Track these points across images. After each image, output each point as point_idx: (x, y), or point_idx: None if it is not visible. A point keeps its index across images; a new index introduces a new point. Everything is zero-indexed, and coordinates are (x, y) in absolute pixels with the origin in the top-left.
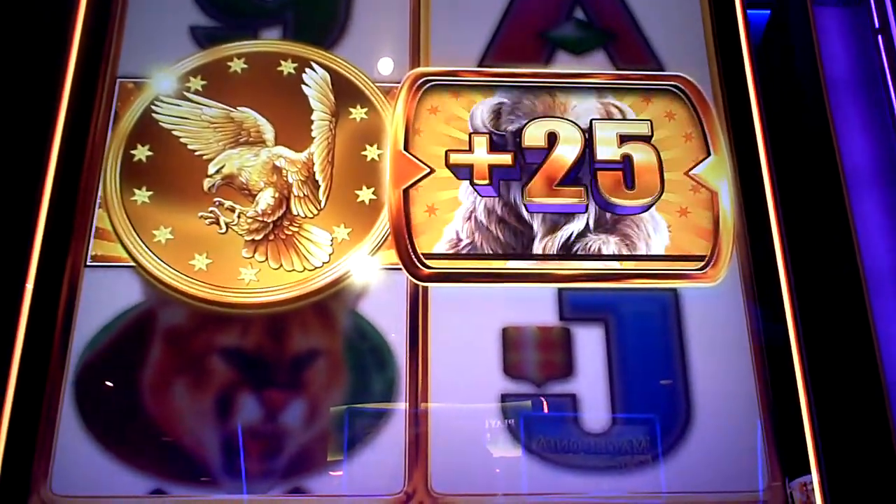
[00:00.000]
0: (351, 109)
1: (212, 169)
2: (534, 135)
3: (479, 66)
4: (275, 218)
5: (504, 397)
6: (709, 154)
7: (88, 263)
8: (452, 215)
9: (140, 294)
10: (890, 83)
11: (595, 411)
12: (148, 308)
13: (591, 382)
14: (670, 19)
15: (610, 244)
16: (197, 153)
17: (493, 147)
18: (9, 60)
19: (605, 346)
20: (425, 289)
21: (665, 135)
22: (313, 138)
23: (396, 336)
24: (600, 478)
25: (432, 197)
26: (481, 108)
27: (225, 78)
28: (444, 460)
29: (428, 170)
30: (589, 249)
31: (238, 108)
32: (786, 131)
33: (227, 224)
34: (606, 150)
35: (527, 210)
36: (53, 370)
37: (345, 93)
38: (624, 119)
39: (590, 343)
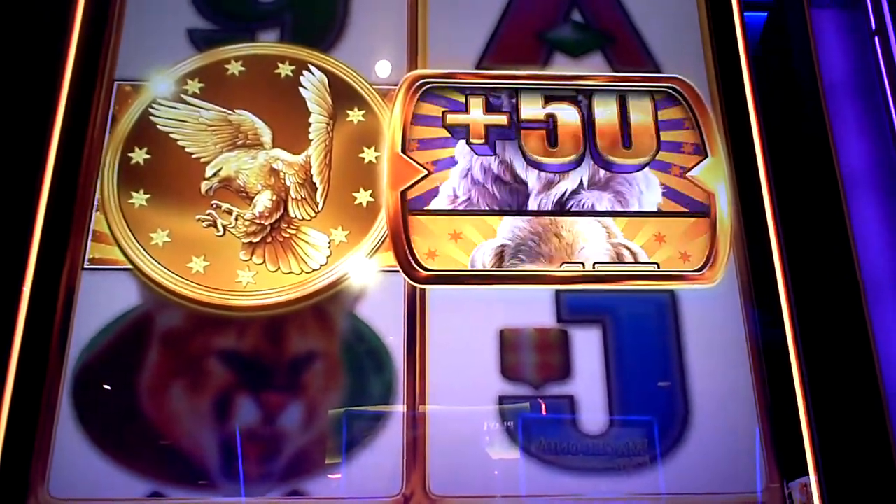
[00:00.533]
0: (348, 112)
1: (209, 172)
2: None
3: (477, 68)
4: (272, 220)
5: (502, 399)
6: (706, 156)
7: (86, 266)
8: (448, 173)
9: (137, 297)
10: (887, 85)
11: (593, 413)
12: (145, 311)
13: (588, 384)
14: (668, 22)
15: (603, 201)
16: (194, 156)
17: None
18: (6, 63)
19: (603, 348)
20: (423, 291)
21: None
22: (311, 141)
23: (394, 338)
24: (598, 479)
25: (428, 156)
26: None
27: (222, 81)
28: (443, 462)
29: (425, 172)
30: (583, 206)
31: (235, 110)
32: (783, 133)
33: (224, 227)
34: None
35: (522, 167)
36: (51, 373)
37: (342, 95)
38: (634, 262)
39: (587, 345)
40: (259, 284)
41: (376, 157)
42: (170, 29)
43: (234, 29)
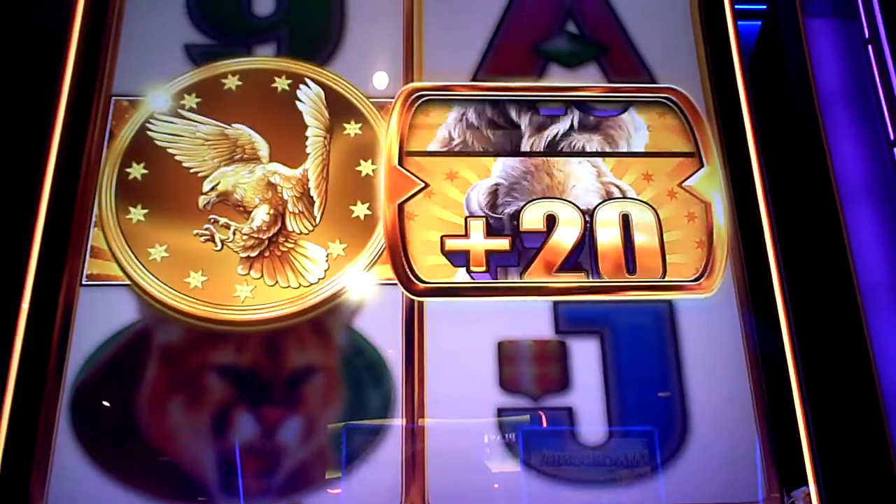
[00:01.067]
0: (345, 125)
1: (207, 186)
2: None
3: (473, 80)
4: (270, 234)
5: (500, 411)
6: (702, 165)
7: (84, 282)
8: (445, 117)
9: (136, 312)
10: (881, 93)
11: (592, 424)
12: (143, 326)
13: (587, 395)
14: (662, 32)
15: (593, 142)
16: (192, 170)
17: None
18: (4, 79)
19: (601, 359)
20: (421, 304)
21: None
22: (308, 154)
23: (393, 351)
24: (599, 491)
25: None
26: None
27: (219, 95)
28: (442, 475)
29: (422, 184)
30: (573, 147)
31: (233, 125)
32: (778, 142)
33: (222, 241)
34: None
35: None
36: (50, 389)
37: (339, 108)
38: (623, 197)
39: (586, 356)
40: (257, 299)
41: (373, 170)
42: (167, 44)
43: (231, 44)
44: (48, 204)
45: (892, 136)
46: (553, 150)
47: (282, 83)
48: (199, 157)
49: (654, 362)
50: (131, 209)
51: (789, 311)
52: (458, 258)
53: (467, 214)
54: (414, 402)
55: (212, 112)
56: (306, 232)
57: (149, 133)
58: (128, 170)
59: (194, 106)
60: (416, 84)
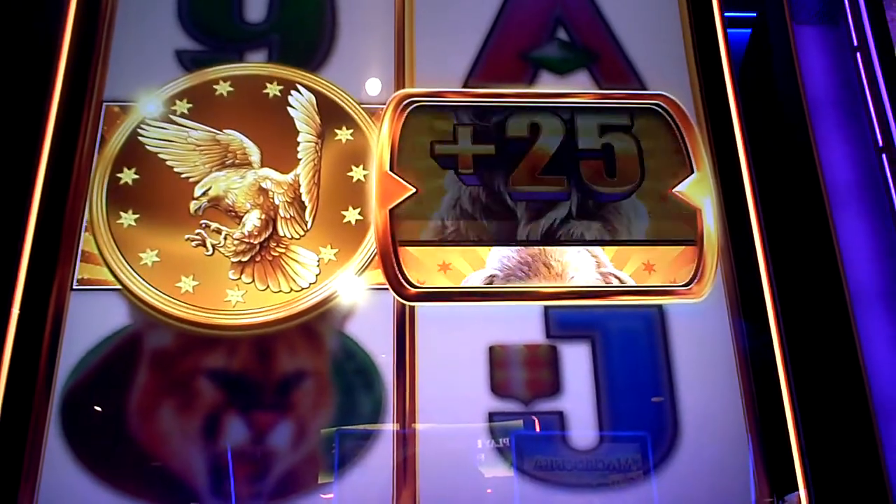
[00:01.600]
0: (336, 131)
1: (198, 191)
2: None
3: (464, 86)
4: (261, 239)
5: (492, 416)
6: (692, 171)
7: (75, 287)
8: (439, 202)
9: (126, 317)
10: (869, 100)
11: (583, 429)
12: (134, 331)
13: (578, 400)
14: (652, 39)
15: (592, 230)
16: (183, 176)
17: (477, 139)
18: None
19: (592, 364)
20: (412, 308)
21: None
22: (299, 160)
23: (385, 356)
24: (590, 495)
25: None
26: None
27: (211, 101)
28: (433, 480)
29: (414, 190)
30: (572, 235)
31: (224, 130)
32: (768, 148)
33: (213, 246)
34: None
35: (510, 198)
36: (39, 394)
37: (330, 114)
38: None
39: (576, 360)
40: (248, 303)
41: (365, 176)
42: (158, 50)
43: (222, 49)
44: (39, 208)
45: (880, 142)
46: (550, 238)
47: (273, 89)
48: (191, 162)
49: (644, 367)
50: (122, 214)
51: (779, 315)
52: None
53: None
54: (405, 406)
55: (203, 118)
56: (298, 237)
57: (140, 138)
58: (119, 175)
59: (186, 112)
60: (407, 90)
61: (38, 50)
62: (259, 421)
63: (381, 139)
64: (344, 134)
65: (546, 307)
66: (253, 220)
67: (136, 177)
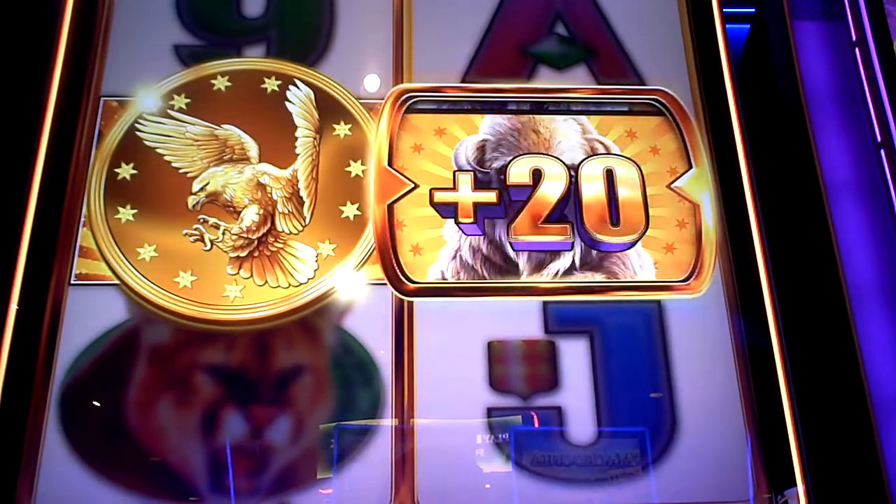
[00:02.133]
0: (335, 126)
1: (196, 186)
2: (519, 171)
3: (463, 81)
4: (259, 234)
5: (490, 411)
6: (690, 167)
7: (72, 282)
8: (437, 255)
9: (124, 312)
10: (868, 95)
11: (581, 424)
12: (132, 326)
13: (576, 395)
14: (651, 34)
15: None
16: (181, 171)
17: (478, 185)
18: None
19: (591, 359)
20: (410, 303)
21: (650, 170)
22: (297, 155)
23: (383, 352)
24: (589, 490)
25: (417, 237)
26: (465, 145)
27: (209, 96)
28: (431, 475)
29: (412, 185)
30: (559, 106)
31: (222, 125)
32: (766, 143)
33: (211, 241)
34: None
35: (512, 248)
36: (38, 388)
37: (329, 109)
38: (609, 153)
39: (575, 356)
40: (246, 298)
41: (363, 171)
42: (156, 44)
43: (220, 44)
44: (37, 204)
45: (878, 138)
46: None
47: (271, 84)
48: (189, 157)
49: (643, 362)
50: (120, 209)
51: (777, 310)
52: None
53: None
54: (404, 401)
55: (201, 113)
56: (296, 232)
57: (138, 133)
58: (117, 170)
59: (184, 106)
60: (405, 85)
61: (36, 44)
62: (257, 416)
63: (379, 134)
64: (342, 129)
65: (545, 302)
66: (251, 215)
67: (134, 172)
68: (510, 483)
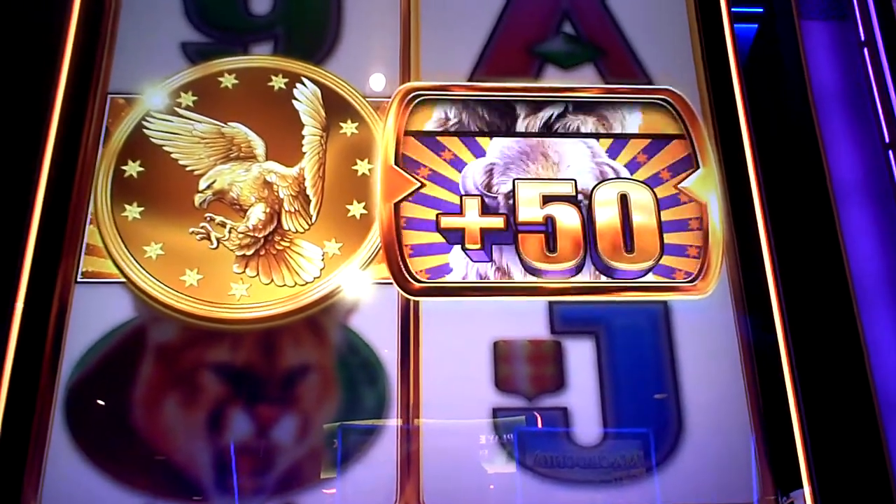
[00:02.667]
0: (342, 124)
1: (203, 184)
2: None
3: (469, 80)
4: (266, 233)
5: (496, 411)
6: (698, 167)
7: (79, 279)
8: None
9: (131, 310)
10: (876, 95)
11: (587, 424)
12: (139, 324)
13: (582, 395)
14: (658, 34)
15: (588, 124)
16: (188, 168)
17: (485, 210)
18: (0, 76)
19: (597, 359)
20: (416, 303)
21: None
22: (304, 153)
23: (389, 351)
24: (594, 492)
25: (423, 264)
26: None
27: (216, 93)
28: (436, 475)
29: (419, 184)
30: (568, 128)
31: (229, 123)
32: (774, 143)
33: (217, 239)
34: None
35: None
36: (44, 386)
37: (335, 108)
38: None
39: (581, 356)
40: (252, 297)
41: (369, 170)
42: (163, 42)
43: (228, 42)
44: (44, 201)
45: (887, 139)
46: (548, 129)
47: (278, 82)
48: (196, 155)
49: (649, 363)
50: (127, 207)
51: (784, 312)
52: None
53: None
54: (409, 401)
55: (208, 110)
56: (302, 231)
57: (145, 131)
58: (124, 168)
59: (191, 104)
60: (412, 84)
61: (44, 41)
62: (263, 415)
63: (386, 133)
64: (349, 127)
65: (550, 303)
66: (257, 213)
67: (141, 169)
68: (515, 484)
